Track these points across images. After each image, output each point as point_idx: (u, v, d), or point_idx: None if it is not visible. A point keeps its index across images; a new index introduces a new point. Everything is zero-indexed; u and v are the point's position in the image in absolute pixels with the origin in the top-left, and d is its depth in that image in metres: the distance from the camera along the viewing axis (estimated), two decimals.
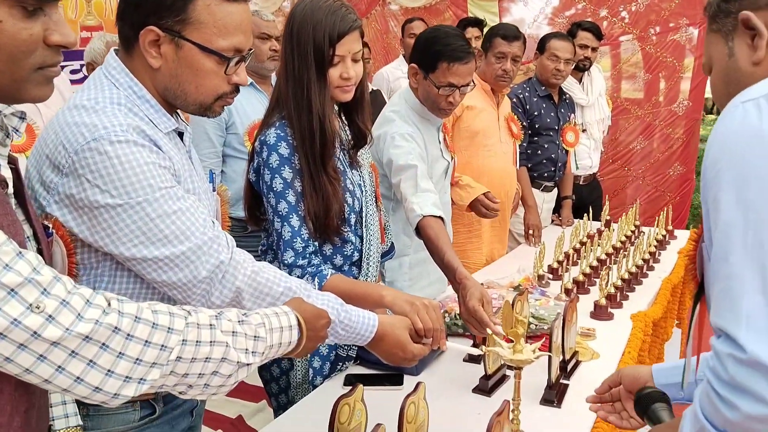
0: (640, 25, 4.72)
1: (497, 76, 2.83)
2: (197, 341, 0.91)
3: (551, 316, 1.97)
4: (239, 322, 0.99)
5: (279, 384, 1.77)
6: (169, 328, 0.88)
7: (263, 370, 1.79)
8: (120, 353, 0.83)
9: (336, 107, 1.71)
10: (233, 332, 0.96)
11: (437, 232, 1.83)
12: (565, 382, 1.72)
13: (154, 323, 0.87)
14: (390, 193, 2.13)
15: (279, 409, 1.78)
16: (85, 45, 3.17)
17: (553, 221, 3.63)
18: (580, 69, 3.79)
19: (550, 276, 2.53)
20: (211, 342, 0.93)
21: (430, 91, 2.12)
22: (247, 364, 0.98)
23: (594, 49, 3.83)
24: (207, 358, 0.92)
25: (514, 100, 3.36)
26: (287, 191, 1.56)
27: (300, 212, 1.57)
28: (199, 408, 1.47)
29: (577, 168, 3.81)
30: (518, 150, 3.18)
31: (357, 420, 1.30)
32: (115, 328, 0.83)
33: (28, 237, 0.94)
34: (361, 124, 1.71)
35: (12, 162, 0.92)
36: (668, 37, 4.67)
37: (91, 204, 1.09)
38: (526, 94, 3.45)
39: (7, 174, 0.90)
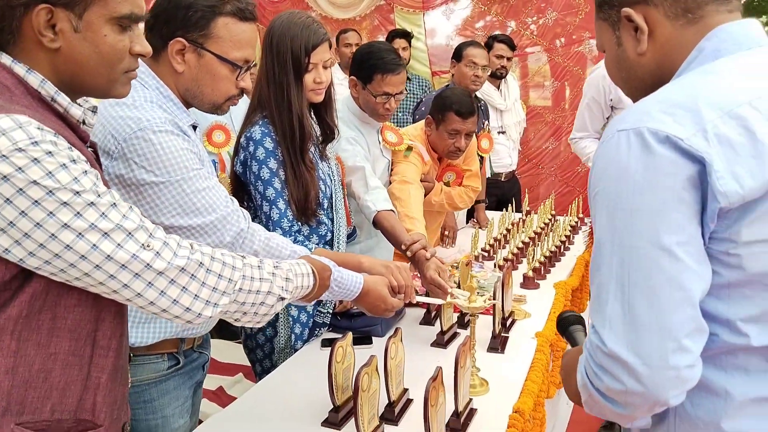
0: (548, 38, 5.23)
1: (450, 151, 2.80)
2: (252, 277, 1.17)
3: (491, 285, 2.32)
4: (275, 266, 1.26)
5: (264, 350, 2.02)
6: (233, 266, 1.14)
7: (249, 339, 2.04)
8: (203, 282, 1.08)
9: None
10: (273, 273, 1.23)
11: (392, 223, 2.14)
12: (505, 335, 2.07)
13: (223, 262, 1.13)
14: None
15: (263, 373, 2.03)
16: None
17: (469, 223, 3.80)
18: (498, 77, 4.17)
19: (485, 254, 2.90)
20: (260, 279, 1.19)
21: (369, 100, 2.35)
22: (283, 298, 1.25)
23: (509, 59, 4.24)
24: (258, 290, 1.18)
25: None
26: (273, 179, 1.83)
27: (285, 197, 1.84)
28: (207, 364, 1.72)
29: (492, 172, 4.09)
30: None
31: (348, 361, 1.59)
32: (200, 263, 1.08)
33: None
34: (329, 121, 2.01)
35: (92, 146, 1.15)
36: (572, 49, 5.20)
37: (138, 182, 1.33)
38: None
39: (89, 155, 1.13)
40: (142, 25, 1.15)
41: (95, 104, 1.15)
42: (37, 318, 0.99)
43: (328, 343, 2.00)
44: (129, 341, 1.46)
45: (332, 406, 1.56)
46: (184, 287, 1.06)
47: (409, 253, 2.06)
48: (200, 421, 1.70)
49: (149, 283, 1.02)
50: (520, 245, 2.95)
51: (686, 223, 0.87)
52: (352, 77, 2.42)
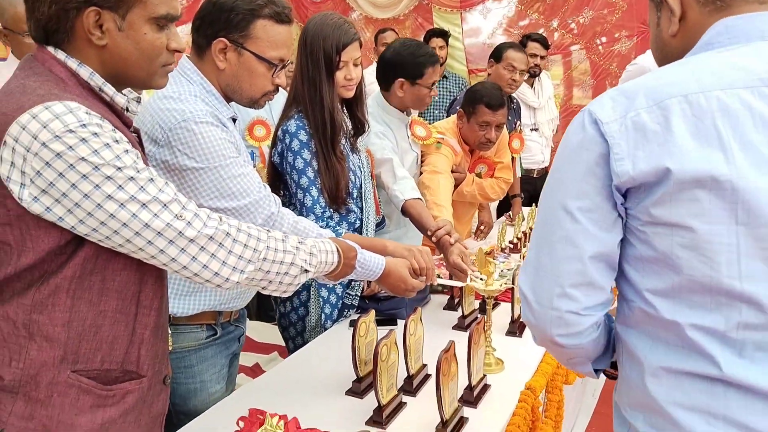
0: (587, 36, 5.25)
1: (481, 143, 2.91)
2: (275, 248, 1.29)
3: (511, 273, 2.41)
4: (299, 242, 1.37)
5: (296, 328, 2.17)
6: (258, 238, 1.26)
7: (282, 318, 2.19)
8: (230, 251, 1.20)
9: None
10: (297, 247, 1.35)
11: (419, 210, 2.27)
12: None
13: (249, 233, 1.25)
14: None
15: (295, 350, 2.16)
16: None
17: (502, 217, 3.82)
18: (532, 75, 4.23)
19: (512, 246, 3.00)
20: (284, 251, 1.30)
21: (420, 94, 2.49)
22: (306, 271, 1.36)
23: (542, 57, 4.29)
24: (282, 261, 1.30)
25: None
26: (307, 168, 1.97)
27: (318, 185, 1.98)
28: (242, 337, 1.87)
29: (523, 170, 4.13)
30: None
31: (371, 336, 1.72)
32: (227, 233, 1.19)
33: None
34: (360, 116, 2.14)
35: (135, 131, 1.30)
36: (612, 47, 5.21)
37: (180, 167, 1.49)
38: None
39: (132, 138, 1.28)
40: (187, 28, 1.29)
41: (139, 95, 1.29)
42: (89, 279, 1.13)
43: (355, 323, 2.14)
44: (172, 311, 1.62)
45: (355, 377, 1.69)
46: (213, 254, 1.17)
47: (434, 239, 2.17)
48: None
49: (182, 249, 1.14)
50: None
51: (593, 193, 0.99)
52: (399, 79, 2.49)
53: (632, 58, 5.11)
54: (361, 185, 2.16)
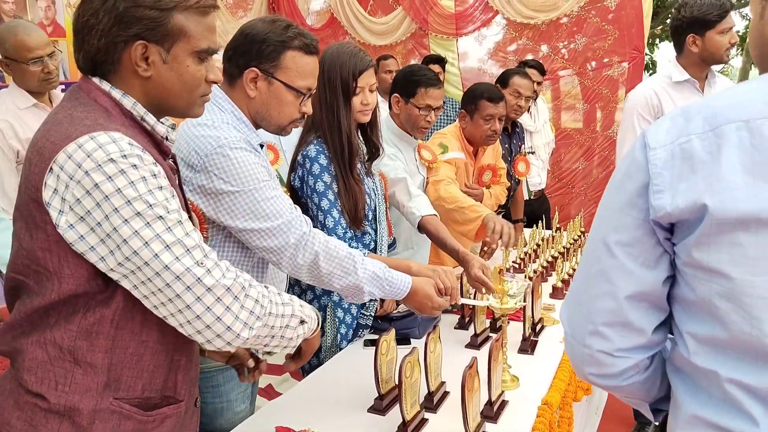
0: (579, 61, 5.39)
1: (487, 136, 3.01)
2: (276, 302, 1.26)
3: (521, 293, 2.47)
4: (290, 298, 1.33)
5: None
6: (262, 294, 1.22)
7: None
8: (242, 305, 1.16)
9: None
10: (291, 298, 1.33)
11: (436, 226, 2.34)
12: (535, 338, 2.22)
13: (257, 289, 1.22)
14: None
15: (310, 371, 2.20)
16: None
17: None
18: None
19: (516, 266, 3.06)
20: (283, 303, 1.28)
21: (411, 113, 2.61)
22: (303, 321, 1.33)
23: (539, 83, 4.41)
24: (283, 314, 1.27)
25: None
26: (327, 191, 2.03)
27: (338, 207, 2.04)
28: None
29: (529, 190, 4.23)
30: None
31: (391, 354, 1.77)
32: (243, 287, 1.17)
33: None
34: (375, 140, 2.21)
35: (172, 157, 1.35)
36: (603, 72, 5.35)
37: (216, 191, 1.54)
38: None
39: (168, 167, 1.34)
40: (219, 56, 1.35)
41: (174, 123, 1.35)
42: (131, 311, 1.16)
43: (370, 343, 2.19)
44: None
45: (377, 395, 1.74)
46: (228, 306, 1.14)
47: (455, 253, 2.25)
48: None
49: (198, 297, 1.11)
50: (550, 259, 3.10)
51: (633, 226, 0.91)
52: (395, 95, 2.65)
53: (621, 82, 5.26)
54: (375, 207, 2.22)
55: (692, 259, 0.86)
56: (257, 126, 1.71)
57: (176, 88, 1.22)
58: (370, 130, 2.22)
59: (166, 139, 1.26)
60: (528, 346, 2.13)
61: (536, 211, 4.31)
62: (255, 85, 1.64)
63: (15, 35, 2.60)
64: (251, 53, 1.62)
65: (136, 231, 1.07)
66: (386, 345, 1.73)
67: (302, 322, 1.33)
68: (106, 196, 1.06)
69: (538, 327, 2.31)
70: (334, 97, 2.06)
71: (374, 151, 2.23)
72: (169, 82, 1.21)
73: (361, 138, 2.23)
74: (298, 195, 2.11)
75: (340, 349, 2.17)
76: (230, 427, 1.67)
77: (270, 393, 3.10)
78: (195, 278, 1.11)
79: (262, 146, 1.73)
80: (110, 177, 1.06)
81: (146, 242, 1.08)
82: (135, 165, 1.08)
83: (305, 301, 2.15)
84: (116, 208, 1.06)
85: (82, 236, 1.08)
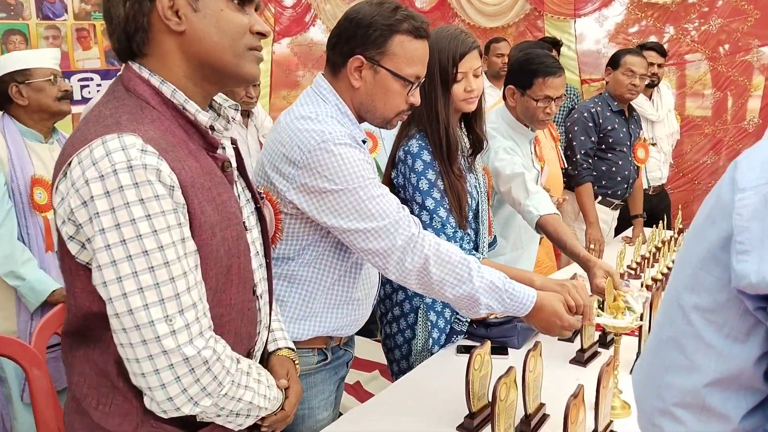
0: (710, 45, 4.89)
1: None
2: (240, 384, 1.12)
3: (638, 306, 2.21)
4: (257, 380, 1.18)
5: (401, 351, 2.08)
6: (227, 371, 1.08)
7: (387, 339, 2.11)
8: (197, 379, 1.03)
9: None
10: (258, 383, 1.17)
11: (556, 227, 2.14)
12: None
13: (225, 365, 1.08)
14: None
15: (399, 373, 2.09)
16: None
17: (617, 238, 3.58)
18: (649, 85, 3.97)
19: (631, 272, 2.78)
20: (246, 387, 1.13)
21: (529, 106, 2.39)
22: (261, 408, 1.18)
23: (660, 66, 4.02)
24: (240, 398, 1.12)
25: (585, 114, 3.42)
26: (432, 189, 1.88)
27: (446, 206, 1.88)
28: (351, 361, 1.81)
29: (648, 182, 3.90)
30: (587, 166, 3.31)
31: (485, 369, 1.61)
32: (206, 360, 1.03)
33: (247, 199, 1.26)
34: (479, 132, 2.03)
35: (233, 142, 1.24)
36: (737, 57, 4.82)
37: (320, 189, 1.45)
38: (599, 108, 3.45)
39: (231, 153, 1.22)
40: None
41: (236, 104, 1.22)
42: None
43: (464, 349, 2.03)
44: None
45: (467, 412, 1.59)
46: (178, 377, 1.02)
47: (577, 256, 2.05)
48: (340, 414, 1.79)
49: (149, 356, 1.00)
50: (671, 264, 2.80)
51: (715, 288, 0.69)
52: (509, 86, 2.44)
53: (757, 68, 4.71)
54: (477, 206, 2.05)
55: None
56: (361, 119, 1.60)
57: (215, 37, 1.08)
58: (474, 120, 2.04)
59: (212, 129, 1.14)
60: None
61: (654, 209, 3.96)
62: (359, 74, 1.52)
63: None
64: (356, 39, 1.50)
65: (114, 261, 0.97)
66: (480, 360, 1.57)
67: (260, 409, 1.18)
68: (98, 213, 0.97)
69: None
70: (432, 86, 1.89)
71: (477, 145, 2.05)
72: (204, 32, 1.07)
73: (464, 129, 2.06)
74: (400, 193, 1.95)
75: (432, 354, 2.03)
76: None
77: (358, 391, 3.03)
78: (154, 335, 0.99)
79: (365, 141, 1.61)
80: (108, 192, 0.96)
81: (119, 277, 0.97)
82: (137, 183, 0.97)
83: (396, 301, 2.03)
84: (103, 229, 0.97)
85: (80, 249, 1.02)
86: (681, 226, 3.45)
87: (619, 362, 1.69)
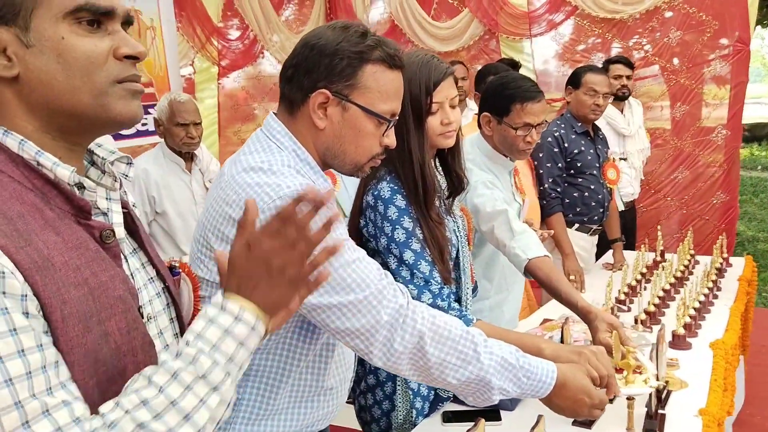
0: (666, 57, 4.78)
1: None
2: None
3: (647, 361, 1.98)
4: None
5: (379, 425, 1.80)
6: None
7: (363, 412, 1.83)
8: None
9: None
10: None
11: (547, 272, 1.89)
12: (662, 411, 1.74)
13: None
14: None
15: None
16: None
17: (605, 267, 3.34)
18: (621, 98, 3.84)
19: (620, 306, 2.56)
20: None
21: (507, 135, 2.17)
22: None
23: (629, 77, 3.89)
24: None
25: (550, 139, 3.16)
26: (410, 240, 1.61)
27: (427, 257, 1.61)
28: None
29: (623, 201, 3.70)
30: (555, 195, 3.11)
31: None
32: None
33: (150, 278, 0.97)
34: (458, 171, 1.78)
35: (125, 206, 0.95)
36: (700, 69, 4.68)
37: None
38: (562, 131, 3.22)
39: (118, 219, 0.92)
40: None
41: (128, 156, 0.95)
42: None
43: (451, 416, 1.77)
44: None
45: None
46: None
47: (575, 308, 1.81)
48: None
49: None
50: (661, 293, 2.60)
51: None
52: (484, 114, 2.22)
53: (709, 79, 4.61)
54: (457, 252, 1.80)
55: None
56: (326, 166, 1.33)
57: (60, 75, 0.83)
58: (451, 157, 1.79)
59: (81, 187, 0.87)
60: (656, 426, 1.65)
61: (627, 224, 3.79)
62: (324, 112, 1.26)
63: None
64: (319, 70, 1.24)
65: None
66: None
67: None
68: None
69: (663, 393, 1.82)
70: (403, 119, 1.64)
71: (456, 185, 1.80)
72: (44, 72, 0.82)
73: (440, 169, 1.81)
74: (371, 243, 1.68)
75: (415, 426, 1.76)
76: None
77: None
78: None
79: None
80: None
81: None
82: None
83: (370, 368, 1.76)
84: None
85: None
86: (662, 248, 3.27)
87: (633, 429, 1.45)
